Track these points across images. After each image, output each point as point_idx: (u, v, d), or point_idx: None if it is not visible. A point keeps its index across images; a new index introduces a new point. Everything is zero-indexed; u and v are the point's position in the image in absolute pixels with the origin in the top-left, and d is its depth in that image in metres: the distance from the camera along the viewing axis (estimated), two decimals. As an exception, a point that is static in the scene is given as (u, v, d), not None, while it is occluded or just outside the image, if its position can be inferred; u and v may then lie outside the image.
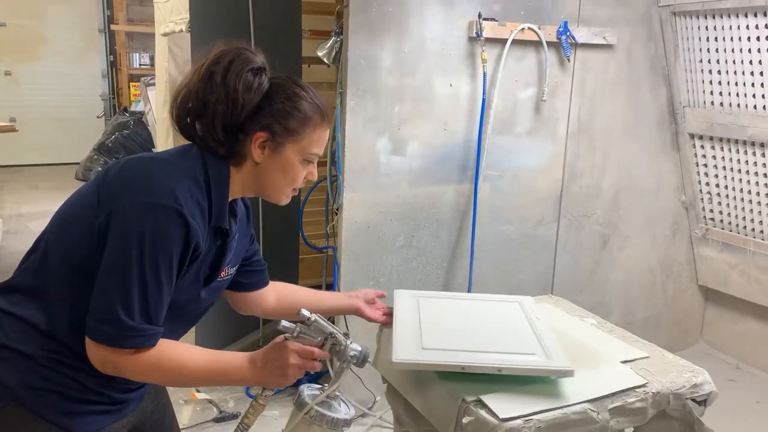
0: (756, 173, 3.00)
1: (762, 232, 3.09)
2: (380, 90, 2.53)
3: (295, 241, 3.58)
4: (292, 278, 3.73)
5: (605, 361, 1.55)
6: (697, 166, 3.27)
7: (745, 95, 2.91)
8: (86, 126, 7.92)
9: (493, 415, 1.32)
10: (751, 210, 3.10)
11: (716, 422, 1.58)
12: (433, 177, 2.70)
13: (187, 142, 1.30)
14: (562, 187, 3.02)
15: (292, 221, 3.36)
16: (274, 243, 3.37)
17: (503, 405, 1.34)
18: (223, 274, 1.35)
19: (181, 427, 2.77)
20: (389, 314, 1.66)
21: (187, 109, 1.26)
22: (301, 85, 1.30)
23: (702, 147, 3.21)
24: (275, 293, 1.59)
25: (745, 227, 3.17)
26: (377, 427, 2.78)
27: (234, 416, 2.79)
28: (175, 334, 1.33)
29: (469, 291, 2.77)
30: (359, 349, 1.33)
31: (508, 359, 1.45)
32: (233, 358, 1.26)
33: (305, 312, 1.30)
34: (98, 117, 8.17)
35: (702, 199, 3.33)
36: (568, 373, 1.40)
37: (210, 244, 1.26)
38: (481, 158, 2.71)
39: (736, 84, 2.94)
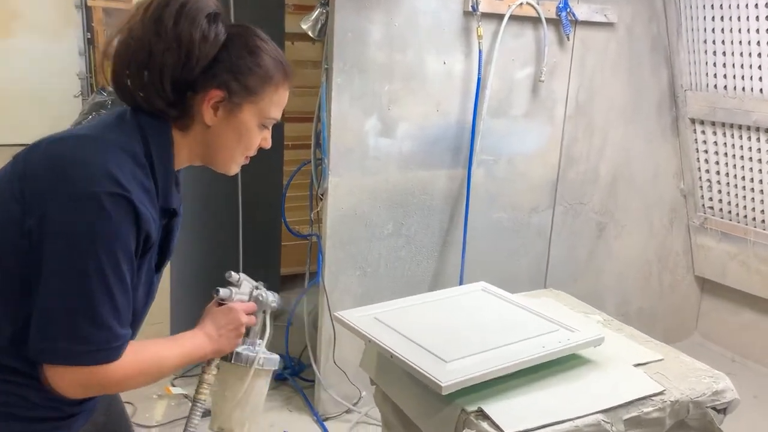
0: (759, 160, 2.87)
1: (763, 221, 2.97)
2: (369, 66, 2.36)
3: (277, 227, 3.42)
4: (274, 266, 3.57)
5: (617, 365, 1.41)
6: (697, 152, 3.14)
7: (751, 78, 2.78)
8: (62, 105, 7.57)
9: (497, 428, 1.18)
10: (753, 198, 2.98)
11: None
12: (425, 161, 2.54)
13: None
14: (559, 172, 2.87)
15: (273, 206, 3.20)
16: (254, 228, 3.20)
17: (508, 417, 1.20)
18: (170, 255, 1.22)
19: (155, 423, 2.63)
20: None
21: (127, 61, 1.07)
22: (262, 37, 1.14)
23: (703, 132, 3.08)
24: None
25: (745, 216, 3.05)
26: (363, 424, 2.64)
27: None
28: (135, 332, 1.18)
29: (460, 281, 2.63)
30: (275, 297, 1.33)
31: (540, 343, 1.36)
32: (194, 338, 1.20)
33: (233, 274, 1.28)
34: (75, 96, 7.87)
35: (701, 186, 3.20)
36: (599, 341, 1.40)
37: (157, 225, 1.09)
38: (476, 141, 2.55)
39: (742, 66, 2.80)
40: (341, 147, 2.38)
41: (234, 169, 1.18)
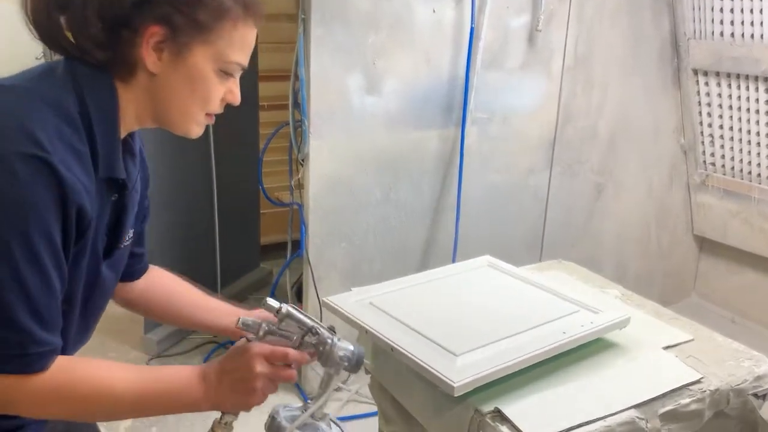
0: (767, 112, 2.71)
1: (769, 177, 2.83)
2: (351, 16, 2.12)
3: (255, 194, 3.21)
4: (253, 235, 3.36)
5: (644, 349, 1.25)
6: (699, 105, 2.97)
7: (761, 24, 2.58)
8: (24, 68, 7.25)
9: (519, 433, 1.01)
10: (758, 153, 2.82)
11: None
12: (414, 121, 2.33)
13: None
14: (556, 130, 2.68)
15: (250, 171, 2.98)
16: (230, 196, 3.00)
17: (530, 418, 1.03)
18: (125, 238, 1.00)
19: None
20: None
21: None
22: None
23: (706, 84, 2.90)
24: (145, 281, 1.17)
25: (750, 172, 2.90)
26: (353, 402, 2.49)
27: None
28: (78, 340, 0.98)
29: (454, 249, 2.45)
30: (350, 348, 0.98)
31: (560, 329, 1.18)
32: (176, 374, 0.91)
33: (272, 301, 0.96)
34: (37, 59, 7.48)
35: (702, 142, 3.04)
36: (625, 322, 1.24)
37: (102, 202, 0.89)
38: (469, 98, 2.35)
39: (751, 11, 2.60)
40: (322, 107, 2.16)
41: (195, 130, 0.96)
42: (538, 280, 1.40)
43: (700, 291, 3.40)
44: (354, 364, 0.98)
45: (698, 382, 1.15)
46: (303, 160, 2.24)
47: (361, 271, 2.35)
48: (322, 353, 0.96)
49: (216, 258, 3.03)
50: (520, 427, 1.01)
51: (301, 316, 0.97)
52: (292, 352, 0.94)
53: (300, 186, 2.34)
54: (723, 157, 2.99)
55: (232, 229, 3.07)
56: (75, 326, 0.94)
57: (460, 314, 1.25)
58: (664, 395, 1.11)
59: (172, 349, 2.80)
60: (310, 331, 0.96)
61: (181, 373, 0.91)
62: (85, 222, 0.84)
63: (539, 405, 1.07)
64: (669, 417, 1.11)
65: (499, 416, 1.05)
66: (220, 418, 0.95)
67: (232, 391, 0.91)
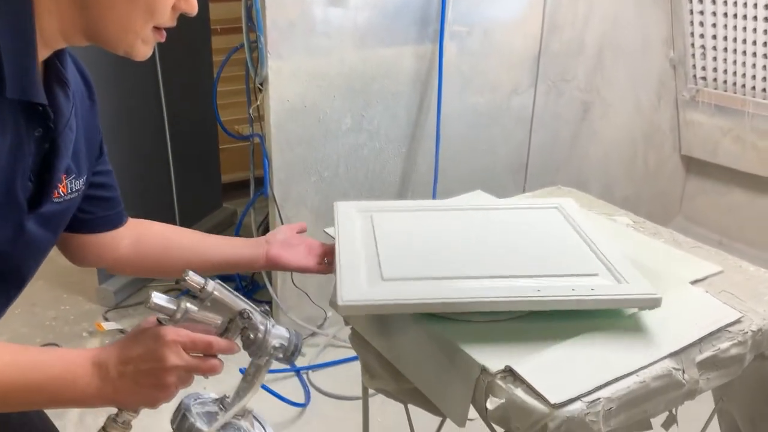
0: (766, 18, 2.50)
1: (765, 90, 2.65)
2: None
3: (212, 128, 2.94)
4: (214, 174, 3.11)
5: (670, 286, 1.07)
6: (692, 14, 2.74)
7: None
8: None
9: (539, 396, 0.83)
10: (754, 64, 2.63)
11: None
12: (386, 36, 2.07)
13: None
14: (541, 44, 2.44)
15: (204, 103, 2.70)
16: (185, 132, 2.73)
17: (548, 378, 0.85)
18: (62, 189, 0.79)
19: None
20: (328, 255, 1.06)
21: None
22: None
23: (700, -11, 2.67)
24: (133, 235, 1.00)
25: (743, 86, 2.72)
26: (331, 348, 2.33)
27: None
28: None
29: (435, 179, 2.24)
30: (286, 335, 0.84)
31: (550, 285, 0.95)
32: (61, 362, 0.73)
33: (194, 276, 0.79)
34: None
35: (693, 54, 2.83)
36: (654, 303, 0.94)
37: (19, 134, 0.70)
38: (447, 8, 2.08)
39: None
40: (280, 21, 1.89)
41: (141, 50, 0.74)
42: (592, 232, 1.12)
43: (687, 213, 3.27)
44: (290, 354, 0.85)
45: (738, 322, 0.98)
46: (261, 85, 1.98)
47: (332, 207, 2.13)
48: (253, 342, 0.81)
49: (173, 199, 2.78)
50: (538, 389, 0.83)
51: (231, 296, 0.81)
52: (218, 341, 0.78)
53: (260, 116, 2.09)
54: (715, 70, 2.79)
55: (189, 168, 2.82)
56: None
57: (452, 246, 1.05)
58: (701, 340, 0.94)
59: (131, 299, 2.59)
60: (241, 315, 0.80)
61: (68, 361, 0.73)
62: None
63: (558, 361, 0.88)
64: (708, 365, 0.94)
65: (511, 376, 0.86)
66: (116, 415, 0.77)
67: (137, 385, 0.73)
